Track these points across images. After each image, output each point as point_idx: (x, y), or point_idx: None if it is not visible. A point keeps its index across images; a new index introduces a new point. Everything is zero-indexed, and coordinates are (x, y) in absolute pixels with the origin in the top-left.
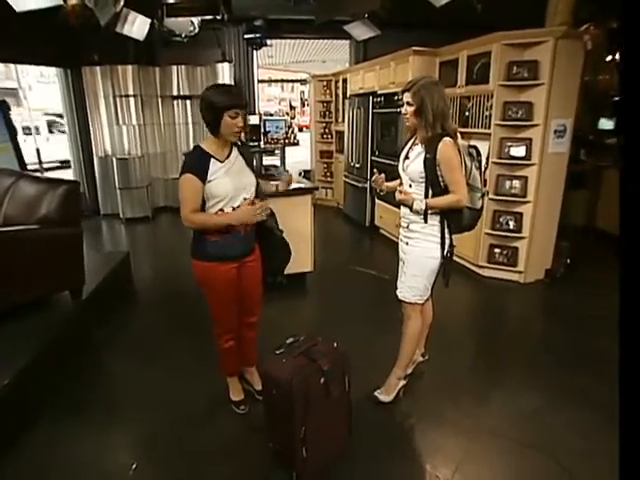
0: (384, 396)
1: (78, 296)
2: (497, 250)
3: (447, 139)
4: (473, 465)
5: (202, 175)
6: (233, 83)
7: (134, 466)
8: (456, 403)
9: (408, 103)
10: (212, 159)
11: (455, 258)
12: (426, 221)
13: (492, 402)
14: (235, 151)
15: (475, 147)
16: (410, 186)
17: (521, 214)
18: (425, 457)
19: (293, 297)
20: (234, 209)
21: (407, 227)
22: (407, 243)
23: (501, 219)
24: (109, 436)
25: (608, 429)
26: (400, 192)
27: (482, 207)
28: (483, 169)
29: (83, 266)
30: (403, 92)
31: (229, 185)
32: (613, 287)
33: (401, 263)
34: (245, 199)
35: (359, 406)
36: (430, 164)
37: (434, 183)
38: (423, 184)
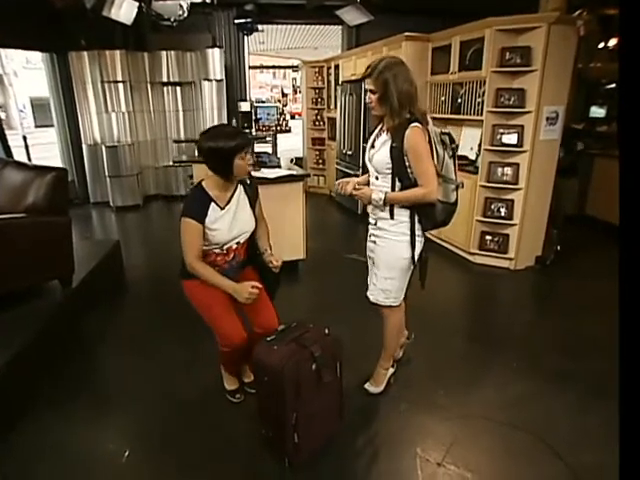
0: (374, 387)
1: (68, 285)
2: (488, 237)
3: (415, 125)
4: (463, 448)
5: (201, 220)
6: (224, 69)
7: (127, 453)
8: (447, 389)
9: (371, 90)
10: (212, 204)
11: (446, 245)
12: (392, 217)
13: (482, 387)
14: (239, 191)
15: (448, 134)
16: (377, 178)
17: (512, 201)
18: (416, 441)
19: (285, 285)
20: (222, 250)
21: (375, 224)
22: (375, 242)
23: (492, 206)
24: (102, 424)
25: (597, 412)
26: (353, 188)
27: (457, 200)
28: (476, 156)
29: (72, 254)
30: (364, 78)
31: (225, 236)
32: (603, 274)
33: (370, 262)
34: (238, 243)
35: (351, 391)
36: (397, 154)
37: (402, 175)
38: (389, 177)
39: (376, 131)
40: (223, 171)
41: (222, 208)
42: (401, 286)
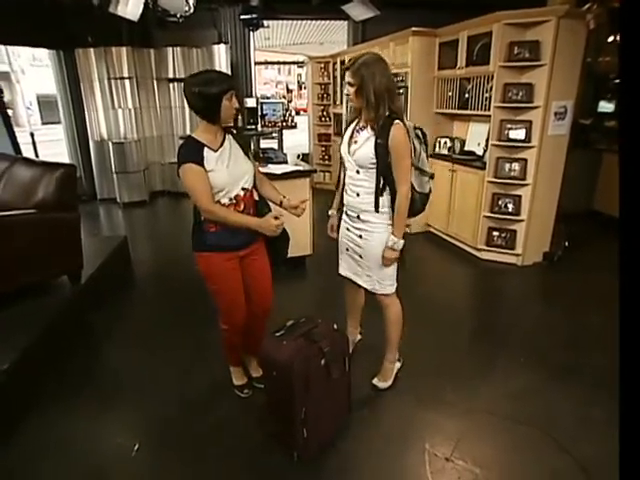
0: (382, 383)
1: (77, 280)
2: (495, 233)
3: (399, 123)
4: (471, 443)
5: (199, 162)
6: (230, 65)
7: (136, 447)
8: (454, 384)
9: (349, 83)
10: (205, 148)
11: (453, 241)
12: (377, 210)
13: (489, 383)
14: (229, 138)
15: (421, 129)
16: (357, 172)
17: (520, 197)
18: (424, 436)
19: (293, 280)
20: (231, 200)
21: (357, 217)
22: (361, 236)
23: (500, 202)
24: (110, 419)
25: (602, 407)
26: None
27: (430, 190)
28: (483, 152)
29: (81, 250)
30: (344, 71)
31: (225, 176)
32: (610, 270)
33: (355, 257)
34: (243, 189)
35: (358, 386)
36: (382, 150)
37: (385, 170)
38: (373, 171)
39: (352, 125)
40: (211, 114)
41: (215, 150)
42: (393, 272)
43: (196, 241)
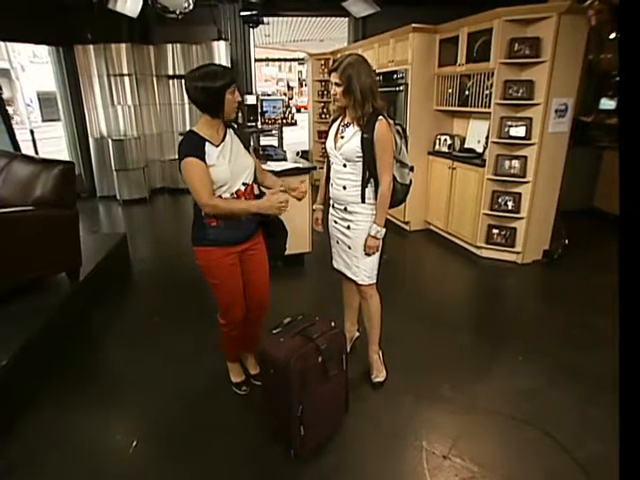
0: (376, 376)
1: (75, 277)
2: (495, 231)
3: (382, 119)
4: (469, 441)
5: (201, 157)
6: (229, 62)
7: (134, 443)
8: (452, 382)
9: (336, 83)
10: (207, 143)
11: (453, 238)
12: (364, 200)
13: (488, 380)
14: (230, 133)
15: (400, 125)
16: (344, 165)
17: (520, 194)
18: (421, 434)
19: (291, 277)
20: (232, 195)
21: (345, 209)
22: (349, 227)
23: (500, 199)
24: (108, 416)
25: (603, 405)
26: (370, 247)
27: (411, 181)
28: (483, 149)
29: (80, 247)
30: (330, 72)
31: (227, 170)
32: (610, 268)
33: (344, 247)
34: (244, 184)
35: (356, 383)
36: (368, 144)
37: (370, 163)
38: (359, 164)
39: (337, 122)
40: (215, 108)
41: (217, 146)
42: (376, 263)
43: (196, 235)
